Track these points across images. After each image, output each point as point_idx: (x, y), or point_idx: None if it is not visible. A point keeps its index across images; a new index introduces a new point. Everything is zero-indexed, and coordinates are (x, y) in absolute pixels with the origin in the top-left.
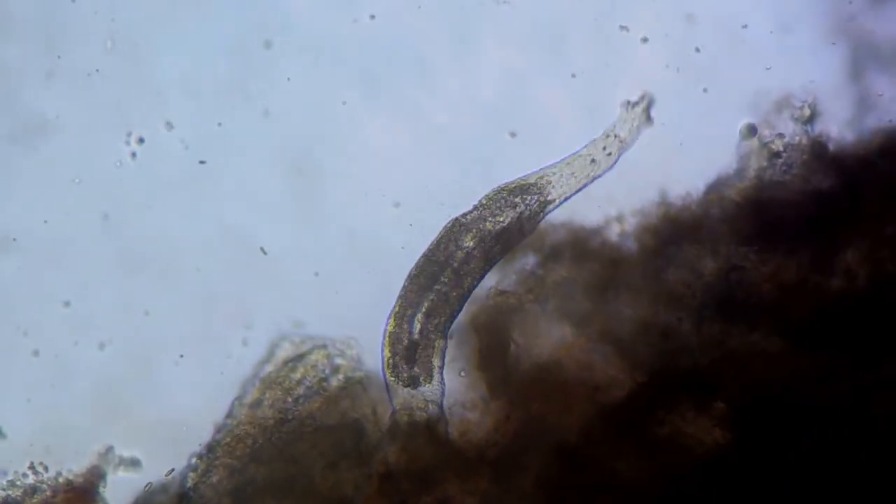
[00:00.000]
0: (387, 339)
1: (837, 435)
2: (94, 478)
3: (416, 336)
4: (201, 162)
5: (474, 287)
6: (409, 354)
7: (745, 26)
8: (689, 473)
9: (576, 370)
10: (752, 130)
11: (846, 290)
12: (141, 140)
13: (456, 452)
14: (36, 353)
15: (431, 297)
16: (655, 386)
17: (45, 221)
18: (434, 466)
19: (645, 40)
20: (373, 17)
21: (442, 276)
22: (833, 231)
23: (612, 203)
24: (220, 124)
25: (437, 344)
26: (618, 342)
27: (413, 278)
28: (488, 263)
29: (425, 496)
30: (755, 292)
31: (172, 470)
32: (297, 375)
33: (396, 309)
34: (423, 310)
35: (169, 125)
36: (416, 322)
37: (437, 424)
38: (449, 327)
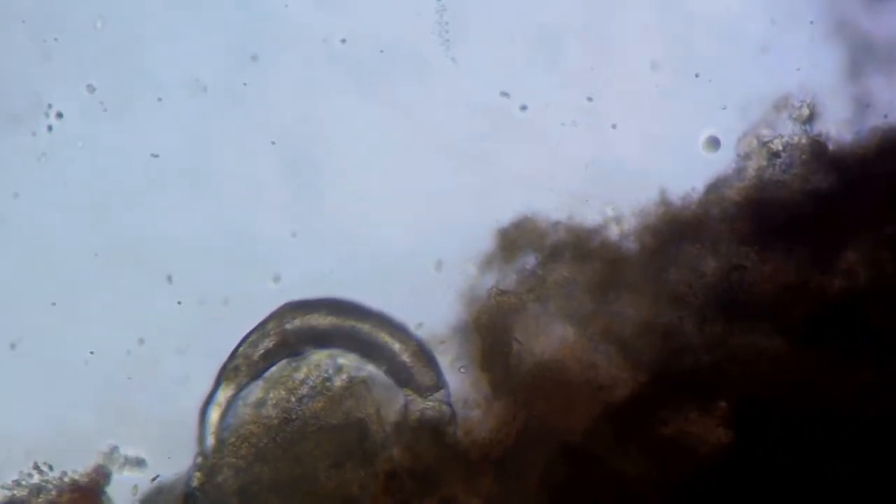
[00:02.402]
0: None
1: (839, 434)
2: (100, 477)
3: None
4: (153, 155)
5: None
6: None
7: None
8: (693, 473)
9: (579, 370)
10: (714, 143)
11: (847, 290)
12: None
13: (461, 452)
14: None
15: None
16: (658, 386)
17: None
18: (440, 466)
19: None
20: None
21: None
22: (833, 230)
23: (612, 203)
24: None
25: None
26: (620, 342)
27: None
28: None
29: (430, 496)
30: (756, 292)
31: (157, 476)
32: (301, 375)
33: None
34: None
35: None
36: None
37: (448, 424)
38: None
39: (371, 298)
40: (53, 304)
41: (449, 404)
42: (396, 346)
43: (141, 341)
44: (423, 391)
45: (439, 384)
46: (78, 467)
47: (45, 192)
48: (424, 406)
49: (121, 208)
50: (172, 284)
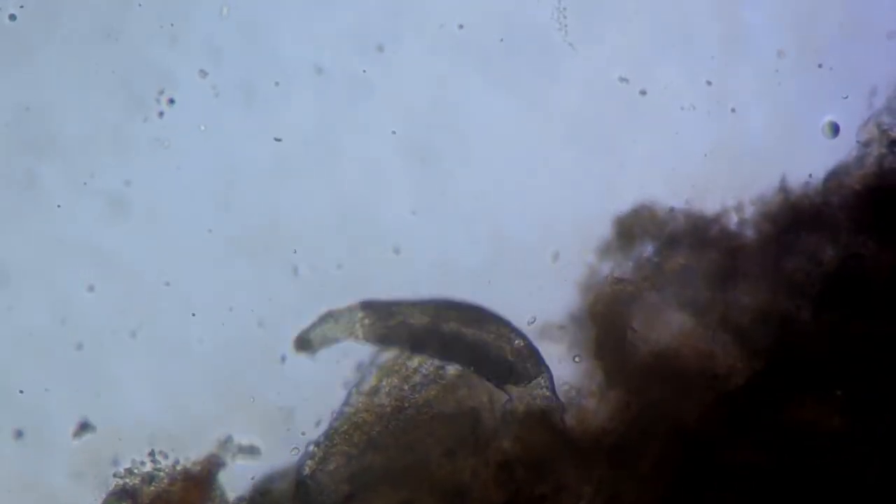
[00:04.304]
0: None
1: None
2: (212, 466)
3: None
4: (276, 139)
5: None
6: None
7: None
8: (809, 461)
9: (694, 358)
10: (834, 129)
11: None
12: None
13: (572, 440)
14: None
15: None
16: (774, 374)
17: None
18: (550, 454)
19: None
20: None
21: None
22: None
23: (731, 190)
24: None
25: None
26: (736, 330)
27: None
28: None
29: (541, 484)
30: (874, 280)
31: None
32: (414, 363)
33: None
34: None
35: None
36: None
37: (554, 412)
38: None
39: (486, 286)
40: (167, 284)
41: (554, 393)
42: (492, 338)
43: (260, 324)
44: (524, 380)
45: (539, 371)
46: (192, 455)
47: (159, 177)
48: (531, 396)
49: (241, 194)
50: (294, 271)
